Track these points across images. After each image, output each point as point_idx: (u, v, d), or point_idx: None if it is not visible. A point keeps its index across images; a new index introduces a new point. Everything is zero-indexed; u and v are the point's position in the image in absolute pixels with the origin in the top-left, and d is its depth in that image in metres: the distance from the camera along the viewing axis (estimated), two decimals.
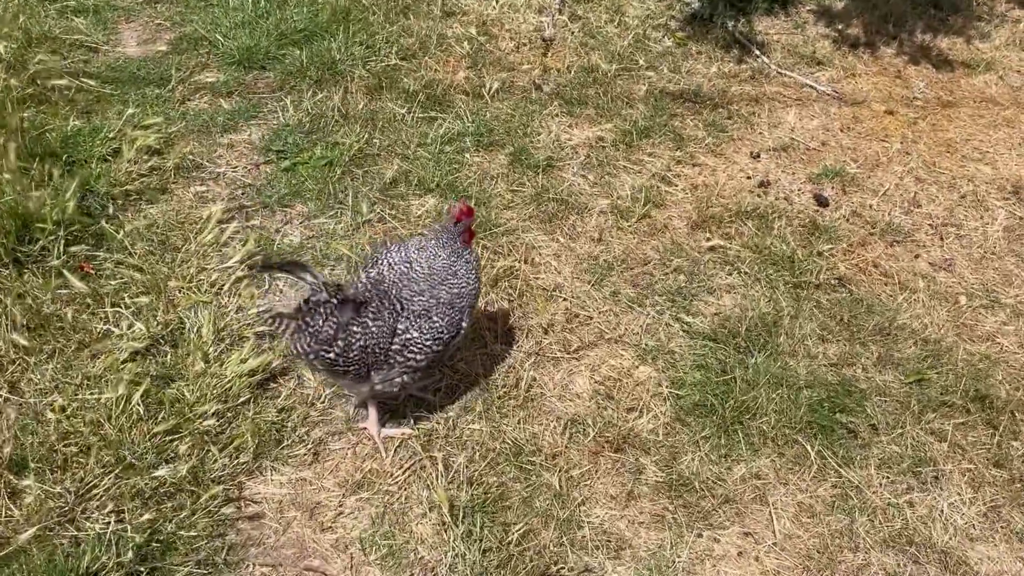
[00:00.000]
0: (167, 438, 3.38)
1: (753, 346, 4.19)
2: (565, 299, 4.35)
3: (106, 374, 3.57)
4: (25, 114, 4.76)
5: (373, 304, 3.24)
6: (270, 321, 3.19)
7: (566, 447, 3.68)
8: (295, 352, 3.22)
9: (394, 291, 3.30)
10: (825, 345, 4.23)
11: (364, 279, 3.36)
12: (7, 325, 3.60)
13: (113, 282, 4.02)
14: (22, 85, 4.92)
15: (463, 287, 3.36)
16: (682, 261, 4.68)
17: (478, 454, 3.60)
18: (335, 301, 3.14)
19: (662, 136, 5.64)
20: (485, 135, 5.38)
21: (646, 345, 4.17)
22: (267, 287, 4.21)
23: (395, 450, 3.58)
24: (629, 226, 4.86)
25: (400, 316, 3.26)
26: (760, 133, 5.84)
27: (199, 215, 4.47)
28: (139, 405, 3.41)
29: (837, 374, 4.08)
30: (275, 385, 3.75)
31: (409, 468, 3.52)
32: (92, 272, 4.06)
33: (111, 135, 4.77)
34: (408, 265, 3.35)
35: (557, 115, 5.72)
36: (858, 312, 4.40)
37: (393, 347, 3.28)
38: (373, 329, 3.23)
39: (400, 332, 3.26)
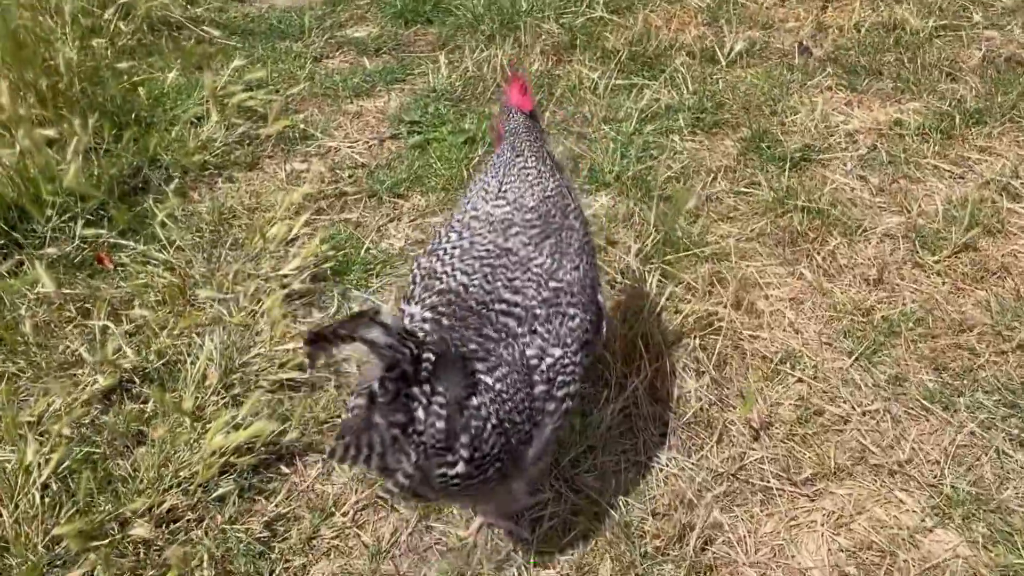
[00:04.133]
0: (68, 545, 2.06)
1: None
2: (801, 379, 2.48)
3: (45, 423, 2.35)
4: (122, 64, 3.82)
5: (472, 341, 1.75)
6: (339, 453, 1.51)
7: None
8: (393, 491, 1.60)
9: (493, 292, 1.84)
10: None
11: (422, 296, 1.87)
12: None
13: (127, 283, 2.83)
14: (130, 32, 3.99)
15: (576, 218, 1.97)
16: None
17: None
18: (428, 366, 1.54)
19: (1005, 123, 3.51)
20: (710, 111, 3.61)
21: (952, 488, 2.19)
22: (335, 308, 2.81)
23: None
24: (936, 263, 2.85)
25: (519, 336, 1.79)
26: None
27: (277, 200, 3.19)
28: (37, 487, 2.12)
29: None
30: (285, 471, 2.32)
31: None
32: (111, 267, 2.93)
33: (205, 93, 3.67)
34: (491, 226, 1.91)
35: (830, 88, 3.79)
36: None
37: (536, 391, 1.77)
38: (501, 387, 1.70)
39: (535, 362, 1.79)
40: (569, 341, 1.84)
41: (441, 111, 3.66)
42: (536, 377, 1.79)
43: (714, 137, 3.52)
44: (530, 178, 1.97)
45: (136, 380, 2.50)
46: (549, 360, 1.81)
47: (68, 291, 2.73)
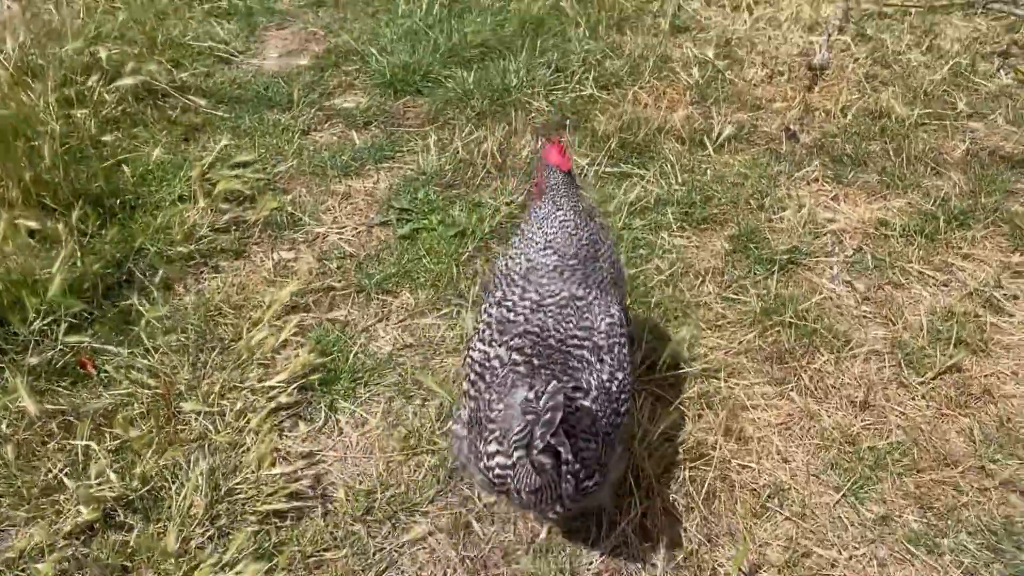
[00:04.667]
0: None
1: None
2: (789, 517, 2.50)
3: (27, 558, 2.31)
4: (107, 137, 3.77)
5: (565, 374, 2.15)
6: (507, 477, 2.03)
7: None
8: (558, 513, 2.07)
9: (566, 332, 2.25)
10: None
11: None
12: None
13: (110, 393, 2.79)
14: (114, 101, 3.94)
15: (606, 259, 2.43)
16: None
17: None
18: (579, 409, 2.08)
19: (989, 226, 3.56)
20: (698, 205, 3.63)
21: None
22: (322, 421, 2.79)
23: None
24: (921, 384, 2.89)
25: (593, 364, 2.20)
26: None
27: (265, 299, 3.16)
28: None
29: None
30: None
31: None
32: (94, 372, 2.88)
33: (192, 174, 3.62)
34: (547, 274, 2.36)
35: (816, 180, 3.84)
36: None
37: (616, 406, 2.19)
38: (596, 407, 2.14)
39: (610, 384, 2.20)
40: (626, 365, 2.23)
41: (431, 197, 3.65)
42: (615, 394, 2.19)
43: (703, 233, 3.53)
44: (568, 229, 2.36)
45: (119, 509, 2.46)
46: (616, 382, 2.18)
47: (51, 406, 2.68)
